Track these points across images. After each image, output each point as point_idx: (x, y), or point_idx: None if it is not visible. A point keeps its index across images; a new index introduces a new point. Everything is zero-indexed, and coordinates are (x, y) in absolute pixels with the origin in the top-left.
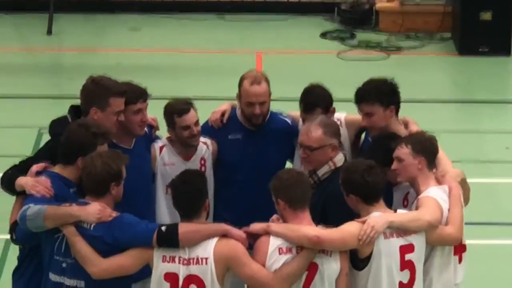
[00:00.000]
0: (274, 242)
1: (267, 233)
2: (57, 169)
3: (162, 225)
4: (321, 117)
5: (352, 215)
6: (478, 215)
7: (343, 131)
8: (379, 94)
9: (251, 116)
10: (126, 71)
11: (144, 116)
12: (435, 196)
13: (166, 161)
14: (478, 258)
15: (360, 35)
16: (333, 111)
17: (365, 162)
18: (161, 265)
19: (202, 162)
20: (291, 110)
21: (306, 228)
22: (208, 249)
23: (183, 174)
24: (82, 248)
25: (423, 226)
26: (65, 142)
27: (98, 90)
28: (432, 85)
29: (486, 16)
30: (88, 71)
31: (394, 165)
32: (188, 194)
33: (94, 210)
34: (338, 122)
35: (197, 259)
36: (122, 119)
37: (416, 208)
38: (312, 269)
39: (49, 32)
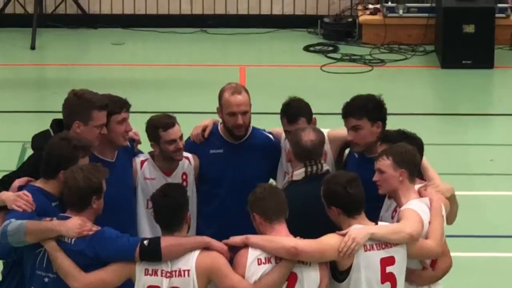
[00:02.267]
0: (252, 253)
1: (246, 245)
2: (39, 183)
3: (144, 239)
4: (295, 133)
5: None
6: (461, 228)
7: (326, 146)
8: (367, 109)
9: (234, 127)
10: (109, 85)
11: (128, 126)
12: (416, 208)
13: (147, 176)
14: (461, 270)
15: (344, 48)
16: (315, 122)
17: (347, 174)
18: (143, 278)
19: (184, 177)
20: (275, 124)
21: (284, 239)
22: (190, 261)
23: (164, 188)
24: (64, 262)
25: (405, 238)
26: (47, 156)
27: (80, 103)
28: (415, 97)
29: (469, 28)
30: (72, 85)
31: (376, 177)
32: (169, 207)
33: (74, 224)
34: None
35: (179, 271)
36: (104, 132)
37: (398, 221)
38: (291, 279)
39: (33, 47)
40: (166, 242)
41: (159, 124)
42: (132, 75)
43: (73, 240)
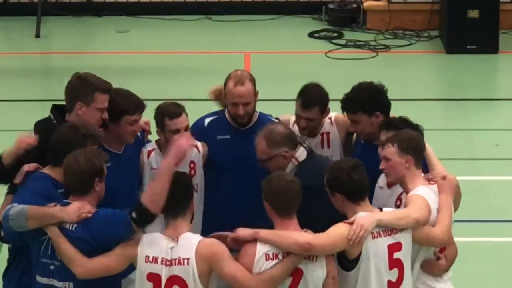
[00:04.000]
0: (261, 249)
1: (255, 239)
2: (46, 170)
3: (130, 212)
4: (268, 127)
5: (328, 205)
6: (467, 213)
7: (334, 129)
8: (360, 102)
9: (236, 116)
10: (114, 72)
11: (137, 127)
12: (423, 194)
13: (154, 166)
14: (467, 255)
15: (348, 34)
16: (328, 112)
17: (350, 161)
18: (144, 265)
19: (192, 165)
20: (280, 111)
21: (296, 234)
22: (190, 249)
23: (174, 174)
24: (67, 248)
25: (411, 223)
26: (55, 143)
27: (83, 85)
28: (420, 83)
29: (474, 13)
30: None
31: (382, 165)
32: (174, 194)
33: (73, 209)
34: (329, 121)
35: (179, 260)
36: (105, 117)
37: (405, 206)
38: (297, 274)
39: (38, 35)
40: (146, 198)
41: (166, 112)
42: (137, 63)
43: (73, 226)
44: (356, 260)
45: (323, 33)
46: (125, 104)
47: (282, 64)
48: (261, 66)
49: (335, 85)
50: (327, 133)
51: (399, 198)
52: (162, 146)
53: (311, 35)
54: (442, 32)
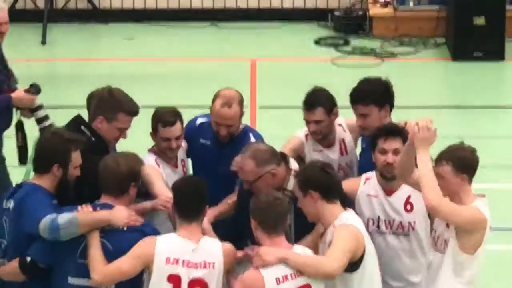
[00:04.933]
0: (268, 275)
1: (280, 261)
2: (34, 180)
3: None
4: (252, 147)
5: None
6: None
7: (347, 135)
8: (374, 95)
9: (217, 133)
10: (120, 79)
11: (124, 135)
12: (479, 208)
13: (163, 172)
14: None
15: (354, 41)
16: (336, 113)
17: (322, 161)
18: (164, 267)
19: (183, 163)
20: (285, 117)
21: (324, 263)
22: (215, 254)
23: (188, 179)
24: (94, 253)
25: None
26: (40, 150)
27: (110, 101)
28: (426, 90)
29: (480, 21)
30: (83, 81)
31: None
32: (194, 197)
33: (122, 214)
34: (341, 128)
35: (205, 263)
36: (125, 137)
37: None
38: None
39: (44, 42)
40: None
41: (160, 119)
42: (143, 70)
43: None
44: (360, 260)
45: (329, 40)
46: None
47: (288, 71)
48: (267, 72)
49: (341, 92)
50: (343, 140)
51: (408, 202)
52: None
53: (317, 42)
54: (449, 39)
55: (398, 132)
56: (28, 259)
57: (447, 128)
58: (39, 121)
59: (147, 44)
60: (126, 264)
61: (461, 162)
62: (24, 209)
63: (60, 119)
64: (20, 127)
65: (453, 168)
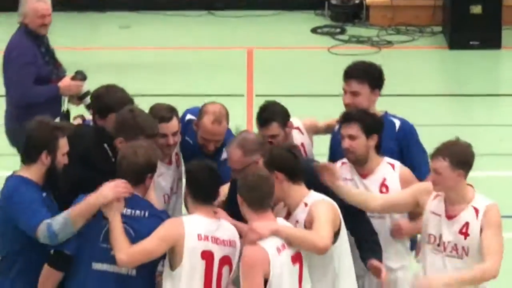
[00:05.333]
0: (269, 246)
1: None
2: (21, 172)
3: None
4: (240, 136)
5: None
6: None
7: (305, 138)
8: (369, 74)
9: (203, 147)
10: (117, 68)
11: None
12: (483, 201)
13: (157, 173)
14: None
15: (351, 29)
16: (291, 126)
17: (289, 143)
18: (197, 243)
19: (177, 158)
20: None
21: (315, 237)
22: (235, 233)
23: (204, 163)
24: (118, 235)
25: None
26: (27, 140)
27: (133, 124)
28: (423, 78)
29: (476, 9)
30: (80, 69)
31: (432, 177)
32: (212, 180)
33: (108, 187)
34: (298, 132)
35: (230, 241)
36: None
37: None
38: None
39: None
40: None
41: (156, 115)
42: (140, 58)
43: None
44: (338, 232)
45: (326, 29)
46: (113, 102)
47: (284, 59)
48: (264, 61)
49: (338, 80)
50: (302, 144)
51: (383, 185)
52: None
53: (314, 30)
54: (445, 28)
55: (354, 118)
56: (52, 251)
57: (443, 116)
58: (89, 107)
59: (144, 33)
60: (152, 244)
61: (458, 158)
62: (14, 210)
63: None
64: (66, 117)
65: (450, 164)
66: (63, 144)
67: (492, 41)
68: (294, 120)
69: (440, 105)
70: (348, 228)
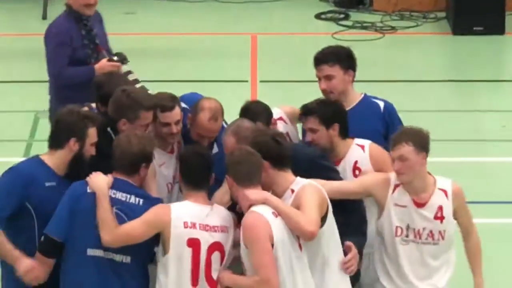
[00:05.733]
0: (265, 212)
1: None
2: (44, 156)
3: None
4: (234, 124)
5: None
6: (474, 194)
7: (290, 127)
8: (339, 56)
9: (197, 141)
10: None
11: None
12: (443, 185)
13: (159, 162)
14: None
15: (355, 15)
16: (275, 122)
17: (273, 130)
18: (183, 231)
19: (178, 146)
20: (286, 91)
21: (305, 219)
22: (227, 218)
23: (195, 147)
24: (103, 214)
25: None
26: (56, 125)
27: (129, 103)
28: (426, 64)
29: None
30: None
31: (396, 165)
32: (202, 165)
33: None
34: (282, 122)
35: (222, 227)
36: (149, 130)
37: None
38: None
39: (44, 17)
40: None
41: (158, 105)
42: (144, 44)
43: (141, 201)
44: (325, 217)
45: (329, 15)
46: (114, 90)
47: (288, 45)
48: (268, 47)
49: None
50: (287, 134)
51: (356, 168)
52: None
53: (317, 16)
54: (449, 13)
55: (312, 111)
56: (42, 237)
57: (446, 102)
58: None
59: (148, 19)
60: (137, 228)
61: (419, 140)
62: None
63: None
64: None
65: (415, 148)
66: (92, 134)
67: (496, 27)
68: (276, 111)
69: (443, 91)
70: (339, 215)
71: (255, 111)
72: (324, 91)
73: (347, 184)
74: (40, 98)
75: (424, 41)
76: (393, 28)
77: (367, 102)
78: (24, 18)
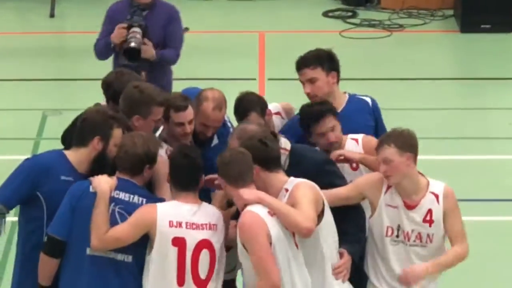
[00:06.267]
0: (260, 211)
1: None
2: (67, 152)
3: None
4: (239, 127)
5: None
6: (481, 192)
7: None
8: (320, 59)
9: (200, 134)
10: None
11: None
12: (436, 189)
13: None
14: (481, 234)
15: (363, 13)
16: (270, 113)
17: (262, 132)
18: (168, 230)
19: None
20: (293, 90)
21: (300, 216)
22: (216, 215)
23: (183, 148)
24: (97, 218)
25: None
26: (82, 123)
27: (142, 99)
28: (434, 62)
29: None
30: (91, 54)
31: (382, 168)
32: (190, 167)
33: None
34: (278, 116)
35: (209, 224)
36: (158, 125)
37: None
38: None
39: (52, 15)
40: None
41: (172, 105)
42: None
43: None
44: (322, 212)
45: (337, 12)
46: (123, 88)
47: (296, 43)
48: (276, 45)
49: (349, 64)
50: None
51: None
52: (167, 137)
53: (325, 14)
54: (457, 11)
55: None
56: (45, 238)
57: (454, 100)
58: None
59: None
60: (124, 231)
61: (402, 141)
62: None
63: (68, 92)
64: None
65: (397, 149)
66: (117, 135)
67: (504, 25)
68: (274, 105)
69: (450, 89)
70: (338, 219)
71: (249, 102)
72: (308, 95)
73: (341, 190)
74: (47, 96)
75: (432, 39)
76: (400, 26)
77: (354, 100)
78: (31, 17)
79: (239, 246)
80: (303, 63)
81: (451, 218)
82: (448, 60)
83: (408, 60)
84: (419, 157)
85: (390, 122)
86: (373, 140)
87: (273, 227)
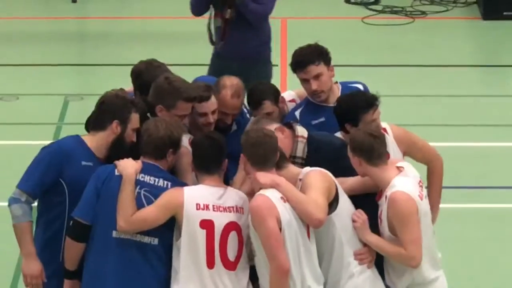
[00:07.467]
0: (273, 195)
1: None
2: (85, 137)
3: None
4: (258, 122)
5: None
6: (505, 179)
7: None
8: (321, 54)
9: (220, 122)
10: (150, 37)
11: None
12: (400, 187)
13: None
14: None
15: (385, 0)
16: (283, 100)
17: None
18: (195, 213)
19: None
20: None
21: (313, 205)
22: (243, 199)
23: (206, 133)
24: (124, 200)
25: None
26: (101, 107)
27: (169, 90)
28: (456, 49)
29: None
30: (114, 38)
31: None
32: (213, 149)
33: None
34: (293, 103)
35: (236, 207)
36: (185, 122)
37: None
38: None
39: (74, 0)
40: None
41: (195, 95)
42: (173, 28)
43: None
44: (335, 200)
45: None
46: (153, 79)
47: (318, 30)
48: (298, 32)
49: (372, 50)
50: None
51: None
52: (190, 128)
53: (347, 0)
54: None
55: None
56: (71, 222)
57: (476, 87)
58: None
59: (177, 2)
60: (152, 213)
61: (352, 143)
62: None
63: (90, 77)
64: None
65: (350, 150)
66: (135, 120)
67: None
68: (289, 93)
69: (473, 76)
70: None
71: (261, 91)
72: (315, 92)
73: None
74: (69, 80)
75: (454, 26)
76: (423, 12)
77: (348, 89)
78: (54, 2)
79: (251, 229)
80: (306, 61)
81: (394, 224)
82: (470, 47)
83: (430, 46)
84: (443, 144)
85: (412, 109)
86: (403, 132)
87: (284, 212)
